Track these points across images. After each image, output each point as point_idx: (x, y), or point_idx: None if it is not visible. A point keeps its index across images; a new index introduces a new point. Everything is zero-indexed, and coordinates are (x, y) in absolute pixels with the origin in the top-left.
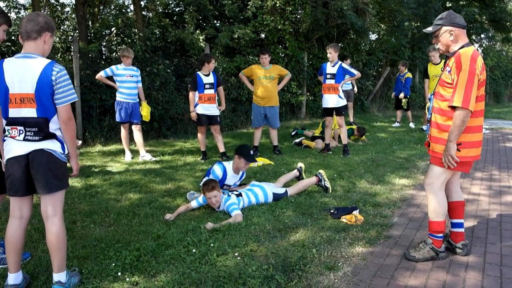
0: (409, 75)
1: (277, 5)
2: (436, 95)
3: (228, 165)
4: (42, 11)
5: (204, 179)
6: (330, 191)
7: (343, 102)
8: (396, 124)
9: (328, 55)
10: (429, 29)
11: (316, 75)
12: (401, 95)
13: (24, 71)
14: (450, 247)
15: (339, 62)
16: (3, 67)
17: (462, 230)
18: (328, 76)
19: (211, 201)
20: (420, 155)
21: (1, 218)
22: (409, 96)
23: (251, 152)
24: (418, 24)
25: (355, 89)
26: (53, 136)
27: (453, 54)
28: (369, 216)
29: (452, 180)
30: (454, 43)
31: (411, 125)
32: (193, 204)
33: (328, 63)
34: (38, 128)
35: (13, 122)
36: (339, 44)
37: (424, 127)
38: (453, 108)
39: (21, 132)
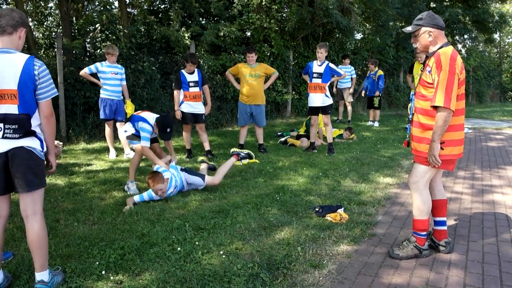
0: (381, 72)
1: (263, 3)
2: (417, 95)
3: (152, 122)
4: (25, 7)
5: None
6: (254, 156)
7: (329, 101)
8: (370, 123)
9: (319, 54)
10: (409, 28)
11: (301, 73)
12: (377, 93)
13: (5, 67)
14: (433, 245)
15: (326, 62)
16: None
17: (445, 228)
18: (315, 75)
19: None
20: (404, 154)
21: None
22: (381, 94)
23: (168, 130)
24: (403, 24)
25: (351, 90)
26: (33, 133)
27: (433, 54)
28: (354, 215)
29: (435, 178)
30: (432, 44)
31: (376, 124)
32: (136, 199)
33: (315, 62)
34: (19, 125)
35: None
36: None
37: (407, 126)
38: (435, 108)
39: None
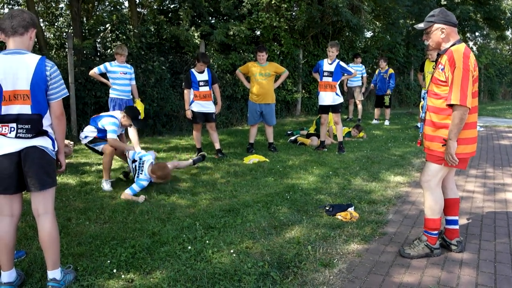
0: (392, 71)
1: (273, 2)
2: (429, 93)
3: (119, 117)
4: (36, 7)
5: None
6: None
7: (340, 100)
8: (375, 122)
9: (330, 53)
10: (421, 25)
11: (311, 72)
12: (388, 91)
13: (18, 67)
14: (444, 244)
15: (337, 60)
16: None
17: (456, 227)
18: (325, 73)
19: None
20: (414, 153)
21: None
22: (391, 93)
23: (139, 117)
24: (413, 21)
25: (363, 88)
26: (44, 133)
27: (445, 51)
28: (364, 213)
29: (447, 177)
30: (445, 41)
31: (386, 122)
32: (128, 192)
33: (325, 61)
34: (32, 125)
35: (5, 119)
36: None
37: (419, 125)
38: (451, 106)
39: (12, 129)
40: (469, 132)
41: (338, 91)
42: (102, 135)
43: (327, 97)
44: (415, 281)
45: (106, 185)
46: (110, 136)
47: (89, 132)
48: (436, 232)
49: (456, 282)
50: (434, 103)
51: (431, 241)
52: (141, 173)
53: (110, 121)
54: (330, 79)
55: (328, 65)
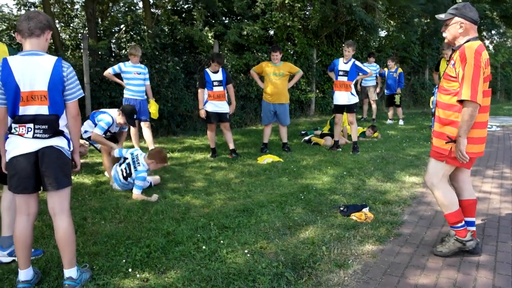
0: (401, 70)
1: (286, 2)
2: (439, 89)
3: (114, 115)
4: (52, 9)
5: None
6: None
7: (355, 99)
8: (390, 122)
9: (346, 53)
10: (442, 16)
11: (325, 72)
12: (398, 90)
13: (35, 69)
14: (460, 244)
15: (353, 60)
16: (9, 65)
17: (473, 228)
18: (341, 73)
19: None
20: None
21: None
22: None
23: (134, 116)
24: (428, 20)
25: (378, 89)
26: (61, 133)
27: (459, 47)
28: (379, 214)
29: (463, 178)
30: (462, 36)
31: (401, 122)
32: (136, 191)
33: (341, 60)
34: (49, 125)
35: (22, 120)
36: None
37: None
38: (461, 102)
39: (29, 129)
40: (477, 132)
41: (354, 91)
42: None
43: (342, 97)
44: (430, 283)
45: (114, 185)
46: (95, 130)
47: (88, 127)
48: (461, 224)
49: (472, 285)
50: (443, 99)
51: (460, 234)
52: (138, 166)
53: (104, 117)
54: (345, 78)
55: (343, 64)
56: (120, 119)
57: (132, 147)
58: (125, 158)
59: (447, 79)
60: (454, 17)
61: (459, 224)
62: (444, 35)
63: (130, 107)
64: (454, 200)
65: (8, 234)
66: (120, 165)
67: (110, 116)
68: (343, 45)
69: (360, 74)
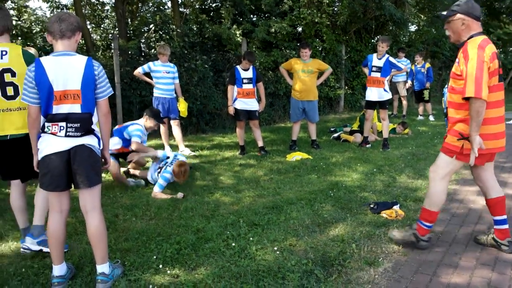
0: (429, 65)
1: None
2: (449, 89)
3: (141, 122)
4: (83, 10)
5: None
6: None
7: (388, 96)
8: (420, 118)
9: (380, 48)
10: (443, 13)
11: (354, 68)
12: (427, 84)
13: (68, 68)
14: (495, 244)
15: (386, 55)
16: (43, 66)
17: (506, 226)
18: (374, 69)
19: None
20: None
21: None
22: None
23: (161, 115)
24: None
25: (408, 84)
26: (92, 131)
27: (463, 44)
28: (410, 212)
29: (486, 176)
30: (465, 33)
31: (431, 118)
32: (156, 190)
33: (375, 55)
34: (81, 123)
35: (55, 118)
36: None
37: None
38: (467, 100)
39: (62, 128)
40: (488, 128)
41: (387, 87)
42: (127, 144)
43: (375, 93)
44: (464, 282)
45: (132, 182)
46: (134, 139)
47: (112, 145)
48: (429, 224)
49: (508, 284)
50: (452, 98)
51: (420, 232)
52: (169, 167)
53: (136, 128)
54: (378, 74)
55: (377, 60)
56: (148, 123)
57: (162, 145)
58: (168, 157)
59: (454, 78)
60: (456, 13)
61: (428, 224)
62: (447, 33)
63: (154, 109)
64: (441, 202)
65: (39, 224)
66: (159, 162)
67: (140, 125)
68: (378, 41)
69: (393, 70)
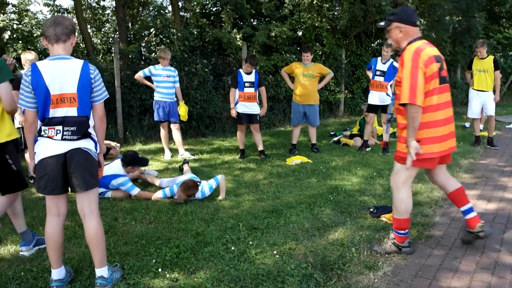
0: None
1: (314, 2)
2: (396, 96)
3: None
4: (84, 14)
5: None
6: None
7: (389, 101)
8: None
9: (384, 53)
10: (381, 24)
11: (354, 72)
12: None
13: (64, 72)
14: (472, 235)
15: (391, 60)
16: (39, 70)
17: (474, 214)
18: (378, 72)
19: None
20: (462, 153)
21: None
22: None
23: (139, 156)
24: (460, 18)
25: None
26: (88, 135)
27: (403, 51)
28: (410, 215)
29: (439, 174)
30: (403, 39)
31: None
32: (158, 195)
33: (379, 59)
34: (77, 127)
35: (51, 122)
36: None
37: (467, 124)
38: (404, 106)
39: (58, 131)
40: (434, 131)
41: (389, 92)
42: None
43: (377, 97)
44: (463, 286)
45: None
46: (133, 192)
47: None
48: (403, 231)
49: None
50: (397, 104)
51: (399, 240)
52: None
53: (120, 180)
54: (382, 78)
55: (381, 64)
56: (129, 169)
57: (162, 149)
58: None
59: (397, 85)
60: (392, 22)
61: (402, 231)
62: (388, 42)
63: (128, 155)
64: (408, 208)
65: (24, 229)
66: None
67: (122, 175)
68: (383, 45)
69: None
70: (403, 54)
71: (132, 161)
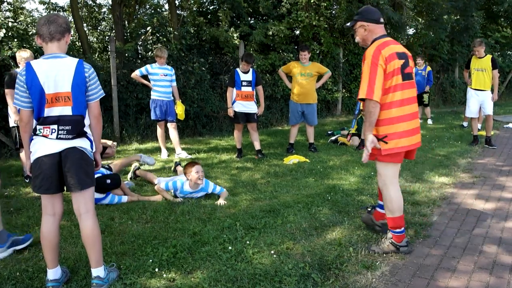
0: (430, 68)
1: (312, 1)
2: None
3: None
4: (80, 12)
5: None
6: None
7: None
8: (420, 121)
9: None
10: (348, 24)
11: (352, 71)
12: (427, 88)
13: (58, 71)
14: (371, 223)
15: None
16: (34, 69)
17: (383, 211)
18: None
19: (197, 176)
20: (460, 152)
21: None
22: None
23: (108, 181)
24: (458, 17)
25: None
26: (84, 134)
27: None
28: (408, 215)
29: None
30: (369, 37)
31: (430, 121)
32: (162, 185)
33: None
34: (72, 126)
35: (46, 121)
36: None
37: (465, 124)
38: (363, 100)
39: (53, 131)
40: (400, 126)
41: None
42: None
43: None
44: (461, 286)
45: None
46: (123, 200)
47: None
48: (399, 230)
49: None
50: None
51: (397, 239)
52: (186, 182)
53: (107, 200)
54: None
55: None
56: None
57: (159, 148)
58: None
59: None
60: (357, 22)
61: (398, 230)
62: (356, 40)
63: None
64: (400, 206)
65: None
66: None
67: (103, 198)
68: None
69: None
70: (365, 52)
71: (100, 187)
